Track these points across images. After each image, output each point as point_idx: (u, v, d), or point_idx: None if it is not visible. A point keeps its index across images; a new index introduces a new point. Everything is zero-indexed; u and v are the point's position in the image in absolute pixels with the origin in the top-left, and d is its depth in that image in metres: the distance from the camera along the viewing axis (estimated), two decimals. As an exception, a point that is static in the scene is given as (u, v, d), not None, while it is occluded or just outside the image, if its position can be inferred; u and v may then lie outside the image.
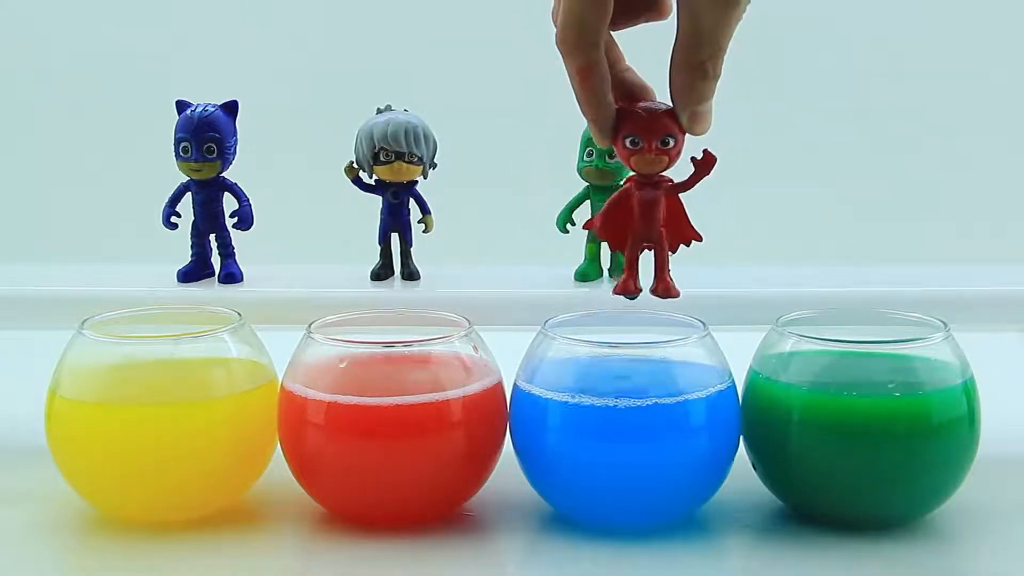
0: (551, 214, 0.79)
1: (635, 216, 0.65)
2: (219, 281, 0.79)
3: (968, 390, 0.65)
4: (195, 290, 0.78)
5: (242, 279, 0.79)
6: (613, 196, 0.65)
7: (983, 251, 1.30)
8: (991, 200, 1.37)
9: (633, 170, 0.64)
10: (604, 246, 0.79)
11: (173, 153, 0.77)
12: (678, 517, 0.66)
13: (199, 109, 0.77)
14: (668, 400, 0.63)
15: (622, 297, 0.66)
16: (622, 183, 0.66)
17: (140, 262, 0.83)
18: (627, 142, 0.63)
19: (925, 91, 1.38)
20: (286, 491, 0.69)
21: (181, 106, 0.77)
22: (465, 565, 0.64)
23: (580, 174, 0.78)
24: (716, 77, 0.61)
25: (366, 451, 0.64)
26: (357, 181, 0.79)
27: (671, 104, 0.63)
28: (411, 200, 0.79)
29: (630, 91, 0.64)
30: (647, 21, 0.64)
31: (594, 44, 0.60)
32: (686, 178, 0.65)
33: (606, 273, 0.80)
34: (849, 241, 1.32)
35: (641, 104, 0.63)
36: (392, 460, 0.64)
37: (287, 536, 0.67)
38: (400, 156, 0.76)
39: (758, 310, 0.73)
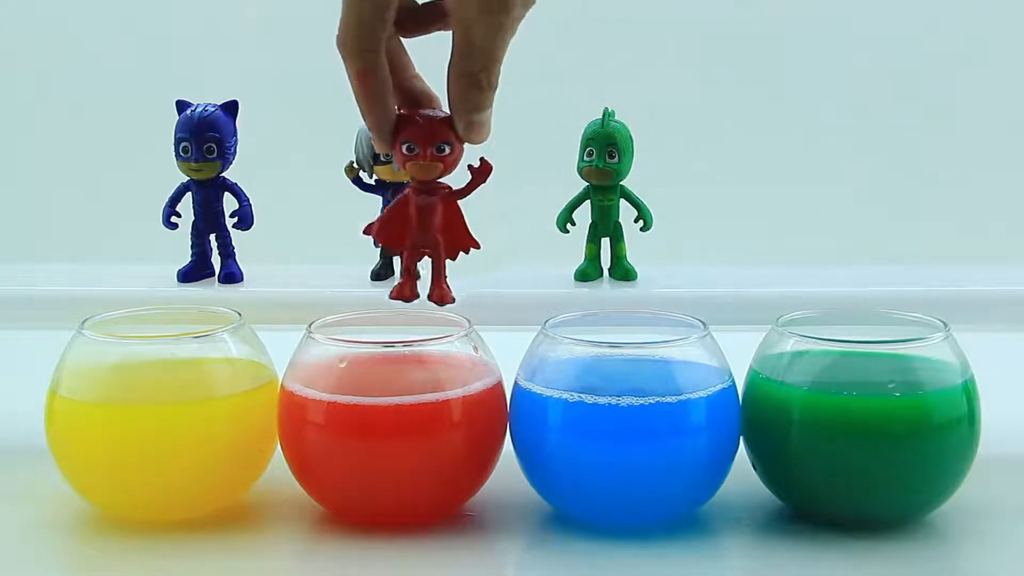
0: (551, 214, 0.79)
1: (412, 222, 0.65)
2: (219, 281, 0.79)
3: (968, 390, 0.65)
4: (195, 290, 0.78)
5: (242, 279, 0.79)
6: (392, 202, 0.66)
7: (983, 251, 1.30)
8: (991, 200, 1.37)
9: (410, 176, 0.65)
10: (605, 245, 0.79)
11: (173, 153, 0.77)
12: (678, 517, 0.66)
13: (199, 109, 0.77)
14: (668, 400, 0.63)
15: (398, 302, 0.66)
16: (406, 187, 0.66)
17: (140, 262, 0.83)
18: (404, 148, 0.64)
19: (926, 91, 1.38)
20: (286, 491, 0.69)
21: (181, 106, 0.77)
22: (465, 565, 0.64)
23: (580, 174, 0.78)
24: (492, 88, 0.62)
25: (366, 451, 0.64)
26: (357, 181, 0.79)
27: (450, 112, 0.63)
28: (411, 200, 0.79)
29: (416, 99, 0.65)
30: (439, 30, 0.64)
31: (372, 49, 0.61)
32: (463, 185, 0.65)
33: (606, 273, 0.80)
34: (849, 241, 1.32)
35: (420, 111, 0.64)
36: (392, 460, 0.64)
37: (287, 536, 0.67)
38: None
39: (758, 310, 0.73)
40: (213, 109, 0.77)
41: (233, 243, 0.80)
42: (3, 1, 1.43)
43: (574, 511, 0.67)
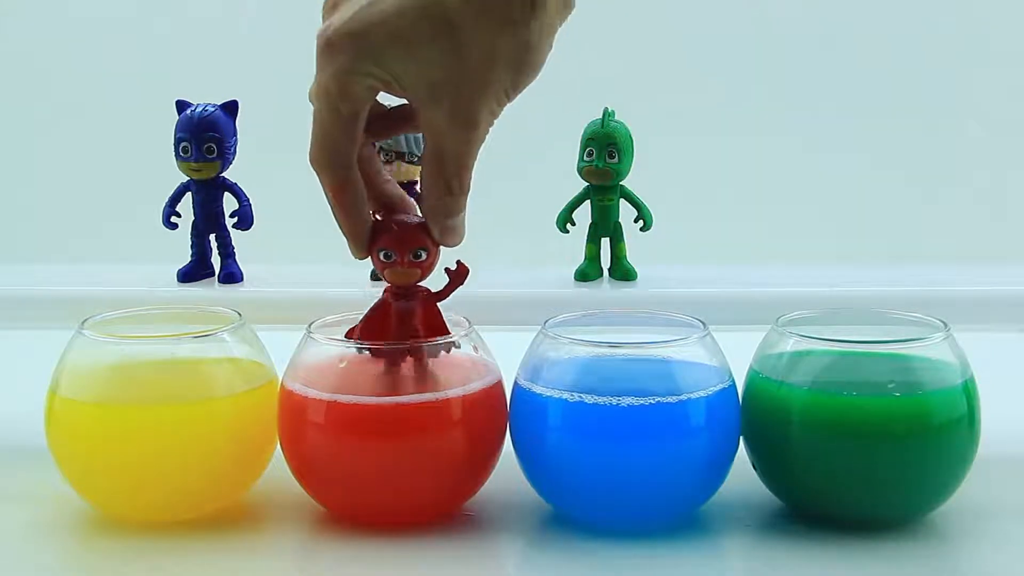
0: (551, 214, 0.79)
1: (392, 326, 0.66)
2: (219, 281, 0.79)
3: (968, 390, 0.65)
4: (195, 290, 0.78)
5: (242, 279, 0.79)
6: (372, 305, 0.66)
7: (983, 251, 1.30)
8: (991, 200, 1.37)
9: (387, 282, 0.65)
10: (605, 245, 0.79)
11: (173, 153, 0.77)
12: (678, 517, 0.66)
13: (199, 109, 0.77)
14: (668, 400, 0.63)
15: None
16: (383, 293, 0.67)
17: (140, 262, 0.83)
18: (380, 255, 0.64)
19: (926, 91, 1.38)
20: (286, 491, 0.69)
21: (181, 106, 0.77)
22: (465, 565, 0.64)
23: (580, 174, 0.78)
24: (464, 193, 0.63)
25: (366, 451, 0.64)
26: (357, 181, 0.79)
27: (424, 217, 0.63)
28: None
29: (390, 203, 0.66)
30: (408, 132, 0.66)
31: (345, 165, 0.62)
32: (441, 288, 0.66)
33: (606, 273, 0.80)
34: (849, 241, 1.32)
35: (395, 218, 0.65)
36: (392, 460, 0.64)
37: (287, 536, 0.67)
38: (400, 156, 0.76)
39: (758, 310, 0.73)
40: (213, 109, 0.77)
41: (233, 243, 0.80)
42: (3, 1, 1.43)
43: (574, 511, 0.67)
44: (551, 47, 0.60)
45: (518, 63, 0.59)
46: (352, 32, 0.58)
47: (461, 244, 0.65)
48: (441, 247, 0.65)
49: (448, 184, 0.61)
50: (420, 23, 0.57)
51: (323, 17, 0.61)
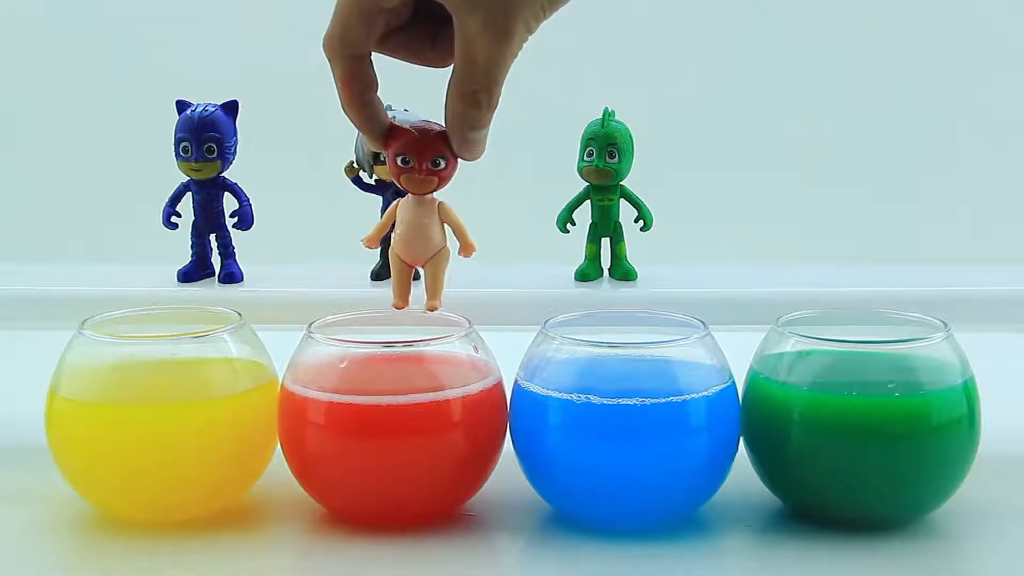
0: (551, 214, 0.79)
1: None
2: (219, 281, 0.79)
3: (968, 390, 0.65)
4: (195, 290, 0.78)
5: (242, 279, 0.79)
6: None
7: (983, 251, 1.30)
8: (991, 200, 1.37)
9: (403, 188, 0.65)
10: (605, 245, 0.79)
11: (173, 153, 0.77)
12: (678, 517, 0.66)
13: (199, 109, 0.77)
14: (668, 400, 0.63)
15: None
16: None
17: (140, 262, 0.83)
18: (398, 160, 0.64)
19: (926, 91, 1.38)
20: (286, 491, 0.69)
21: (181, 106, 0.77)
22: (465, 565, 0.64)
23: (580, 174, 0.78)
24: (491, 108, 0.61)
25: (366, 451, 0.64)
26: (357, 181, 0.79)
27: (445, 128, 0.63)
28: (411, 200, 0.79)
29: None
30: (427, 65, 0.64)
31: (357, 56, 0.61)
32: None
33: (606, 273, 0.80)
34: (849, 241, 1.32)
35: (414, 123, 0.64)
36: (392, 460, 0.64)
37: (287, 536, 0.67)
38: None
39: (758, 310, 0.73)
40: (213, 109, 0.77)
41: (233, 243, 0.80)
42: (3, 1, 1.43)
43: (574, 511, 0.67)
44: None
45: None
46: None
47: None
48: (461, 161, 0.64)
49: (476, 97, 0.60)
50: None
51: None
